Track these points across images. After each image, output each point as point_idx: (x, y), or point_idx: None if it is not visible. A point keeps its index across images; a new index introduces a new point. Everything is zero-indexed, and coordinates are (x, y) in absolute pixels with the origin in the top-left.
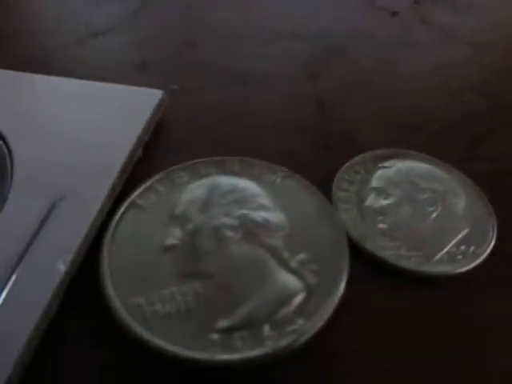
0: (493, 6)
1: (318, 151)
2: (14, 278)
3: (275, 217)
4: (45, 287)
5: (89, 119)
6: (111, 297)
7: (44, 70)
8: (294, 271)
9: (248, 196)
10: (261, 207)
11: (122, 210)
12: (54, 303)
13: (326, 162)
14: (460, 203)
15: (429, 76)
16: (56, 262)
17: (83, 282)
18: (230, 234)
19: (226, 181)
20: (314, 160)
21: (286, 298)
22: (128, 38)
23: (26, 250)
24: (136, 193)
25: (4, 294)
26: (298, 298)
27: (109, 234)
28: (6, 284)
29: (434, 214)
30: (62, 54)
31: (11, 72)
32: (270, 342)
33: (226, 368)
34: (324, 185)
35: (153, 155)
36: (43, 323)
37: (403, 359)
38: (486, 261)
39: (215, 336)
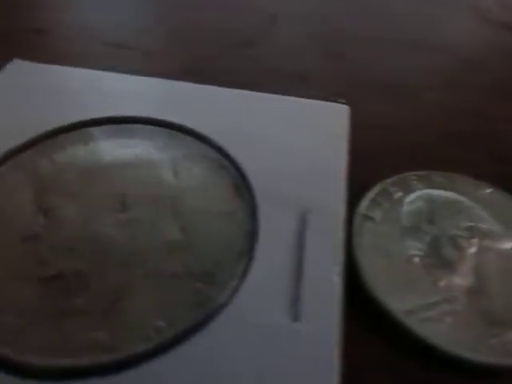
0: None
1: (494, 163)
2: (301, 293)
3: (497, 228)
4: (331, 300)
5: (293, 132)
6: (387, 304)
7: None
8: None
9: (465, 208)
10: (480, 219)
11: (358, 222)
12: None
13: (507, 173)
14: None
15: None
16: (331, 274)
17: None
18: (465, 244)
19: (439, 194)
20: (495, 172)
21: None
22: (272, 48)
23: (300, 264)
24: (364, 205)
25: (300, 310)
26: None
27: (357, 245)
28: (296, 300)
29: None
30: (213, 64)
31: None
32: None
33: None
34: None
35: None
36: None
37: None
38: None
39: (494, 341)
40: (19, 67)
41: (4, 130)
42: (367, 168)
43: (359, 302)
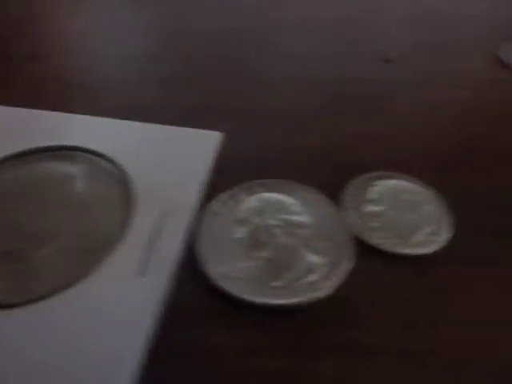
0: None
1: (330, 173)
2: (150, 260)
3: (304, 219)
4: (168, 265)
5: (175, 155)
6: (208, 268)
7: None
8: (318, 253)
9: (287, 206)
10: (295, 212)
11: (204, 215)
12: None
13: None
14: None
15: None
16: (173, 248)
17: None
18: (276, 230)
19: (272, 195)
20: (330, 179)
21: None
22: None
23: (154, 243)
24: (214, 204)
25: (146, 270)
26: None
27: (197, 231)
28: (146, 265)
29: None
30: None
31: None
32: None
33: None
34: (336, 197)
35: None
36: (168, 288)
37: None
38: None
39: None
40: None
41: None
42: (228, 179)
43: (193, 270)
